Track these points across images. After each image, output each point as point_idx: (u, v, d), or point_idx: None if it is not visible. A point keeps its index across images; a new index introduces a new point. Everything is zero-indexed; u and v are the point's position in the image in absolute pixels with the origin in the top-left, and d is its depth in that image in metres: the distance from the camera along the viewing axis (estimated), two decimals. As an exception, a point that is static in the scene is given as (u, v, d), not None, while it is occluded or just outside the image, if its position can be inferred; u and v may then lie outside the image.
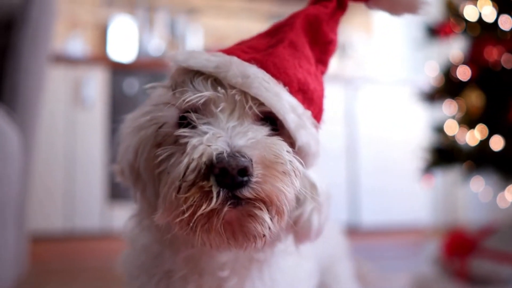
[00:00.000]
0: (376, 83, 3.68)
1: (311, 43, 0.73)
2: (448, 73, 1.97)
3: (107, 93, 3.27)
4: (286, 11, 3.43)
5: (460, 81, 1.90)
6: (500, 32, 1.83)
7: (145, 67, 3.40)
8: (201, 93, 0.63)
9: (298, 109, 0.66)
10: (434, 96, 2.04)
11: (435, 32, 2.04)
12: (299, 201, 0.68)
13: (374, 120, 3.63)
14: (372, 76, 3.78)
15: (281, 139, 0.63)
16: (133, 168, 0.72)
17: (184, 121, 0.65)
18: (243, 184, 0.57)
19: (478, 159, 1.79)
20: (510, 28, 1.79)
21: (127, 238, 0.79)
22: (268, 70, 0.66)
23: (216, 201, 0.56)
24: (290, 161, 0.61)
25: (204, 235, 0.60)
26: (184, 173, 0.57)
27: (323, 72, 0.76)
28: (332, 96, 3.54)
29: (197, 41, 4.15)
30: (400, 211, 3.63)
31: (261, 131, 0.63)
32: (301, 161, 0.65)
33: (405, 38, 4.27)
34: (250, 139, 0.59)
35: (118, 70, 3.32)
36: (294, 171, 0.62)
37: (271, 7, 4.41)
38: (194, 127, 0.63)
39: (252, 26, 4.35)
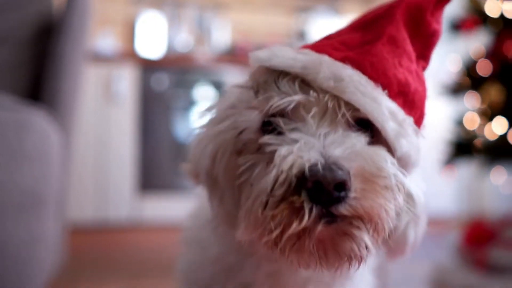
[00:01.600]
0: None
1: (412, 36, 0.64)
2: (469, 68, 2.00)
3: (137, 89, 3.36)
4: (312, 4, 3.46)
5: (481, 76, 1.93)
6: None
7: (173, 63, 3.49)
8: (291, 97, 0.56)
9: (398, 116, 0.58)
10: (456, 89, 2.08)
11: (458, 27, 2.07)
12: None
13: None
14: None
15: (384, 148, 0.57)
16: (210, 174, 0.64)
17: (268, 127, 0.59)
18: (340, 200, 0.50)
19: (498, 152, 1.83)
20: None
21: (194, 244, 0.74)
22: (364, 71, 0.58)
23: (308, 218, 0.50)
24: (394, 174, 0.54)
25: (293, 255, 0.54)
26: (272, 187, 0.51)
27: (424, 68, 0.67)
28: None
29: (224, 35, 4.21)
30: (426, 201, 3.65)
31: (360, 140, 0.56)
32: (405, 173, 0.58)
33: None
34: (348, 148, 0.52)
35: (147, 67, 3.41)
36: (398, 186, 0.55)
37: (297, 0, 4.45)
38: (280, 133, 0.57)
39: (279, 20, 4.40)
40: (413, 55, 0.64)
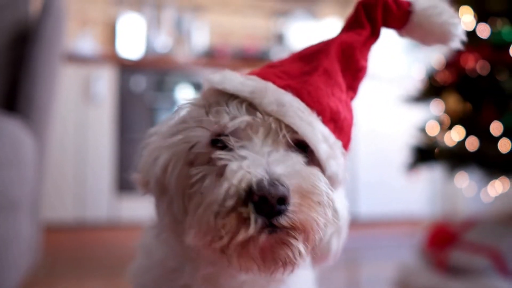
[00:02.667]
0: (373, 79, 3.75)
1: (343, 70, 0.72)
2: (432, 77, 2.07)
3: (115, 90, 3.39)
4: (290, 8, 3.53)
5: (442, 85, 2.00)
6: (478, 40, 1.92)
7: (152, 65, 3.53)
8: (241, 119, 0.63)
9: (330, 139, 0.66)
10: (419, 97, 2.15)
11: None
12: None
13: (371, 115, 3.74)
14: (370, 72, 3.87)
15: (316, 168, 0.64)
16: (160, 183, 0.70)
17: (218, 142, 0.64)
18: (280, 213, 0.56)
19: (457, 158, 1.90)
20: (487, 37, 1.88)
21: (142, 249, 0.79)
22: (302, 99, 0.66)
23: (254, 228, 0.56)
24: (326, 192, 0.61)
25: (236, 260, 0.59)
26: (223, 199, 0.56)
27: (352, 98, 0.75)
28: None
29: (203, 38, 4.26)
30: (399, 203, 3.73)
31: (298, 160, 0.62)
32: (333, 191, 0.65)
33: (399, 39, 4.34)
34: (289, 167, 0.59)
35: (126, 68, 3.44)
36: (328, 202, 0.62)
37: (276, 4, 4.50)
38: (228, 148, 0.62)
39: (257, 23, 4.45)
40: (343, 86, 0.72)
